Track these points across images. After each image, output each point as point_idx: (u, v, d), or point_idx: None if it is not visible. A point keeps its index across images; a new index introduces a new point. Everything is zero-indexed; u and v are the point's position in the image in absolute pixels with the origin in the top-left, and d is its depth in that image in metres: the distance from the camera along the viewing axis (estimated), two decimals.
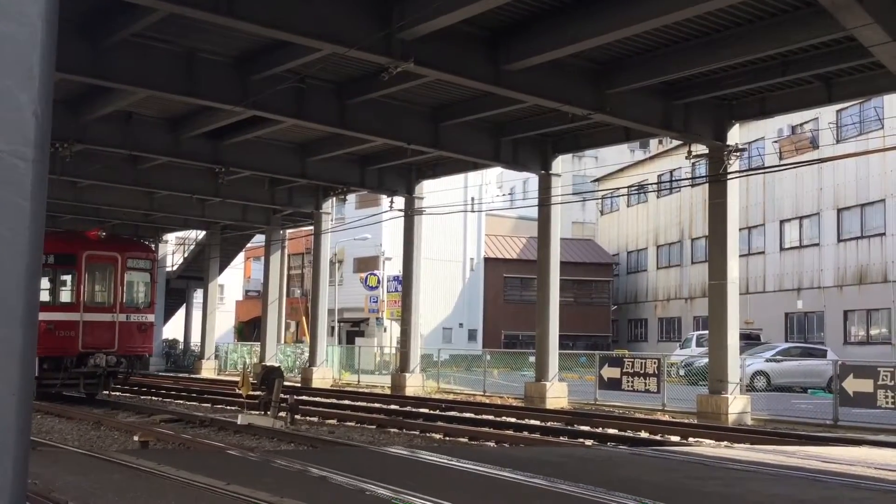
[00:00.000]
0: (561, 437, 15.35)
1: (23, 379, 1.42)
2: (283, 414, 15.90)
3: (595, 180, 54.84)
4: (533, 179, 28.34)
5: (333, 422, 17.61)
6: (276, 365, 22.96)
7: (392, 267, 40.87)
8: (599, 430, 16.47)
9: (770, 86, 18.88)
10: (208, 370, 38.53)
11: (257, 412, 16.29)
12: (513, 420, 18.11)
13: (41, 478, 8.29)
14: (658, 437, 15.79)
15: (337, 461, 10.61)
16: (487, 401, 23.96)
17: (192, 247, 44.68)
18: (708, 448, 13.86)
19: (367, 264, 44.53)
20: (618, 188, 49.88)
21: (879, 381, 17.59)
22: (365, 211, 39.53)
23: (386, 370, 35.04)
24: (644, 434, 16.24)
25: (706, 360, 22.03)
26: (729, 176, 20.28)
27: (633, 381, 22.55)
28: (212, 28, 15.64)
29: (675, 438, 15.72)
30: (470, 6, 13.76)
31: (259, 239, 41.41)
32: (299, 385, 28.26)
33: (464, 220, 46.31)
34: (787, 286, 39.94)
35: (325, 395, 24.62)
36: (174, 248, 46.67)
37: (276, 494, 7.62)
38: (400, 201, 28.56)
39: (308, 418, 17.85)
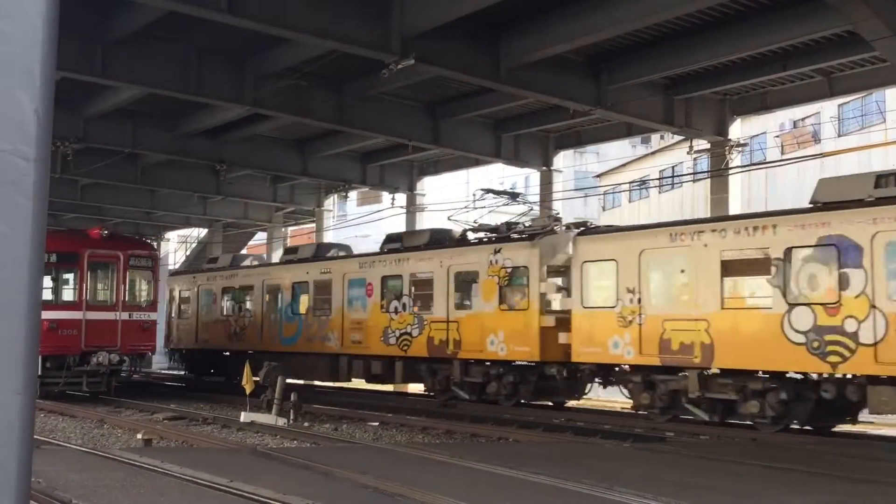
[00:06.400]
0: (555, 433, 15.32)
1: (26, 377, 1.43)
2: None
3: (597, 176, 54.79)
4: (534, 175, 28.34)
5: (333, 418, 17.61)
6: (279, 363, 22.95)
7: None
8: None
9: (771, 80, 18.87)
10: None
11: (260, 410, 16.32)
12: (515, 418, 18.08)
13: (45, 476, 8.30)
14: None
15: (339, 458, 10.62)
16: None
17: (193, 245, 44.67)
18: None
19: None
20: (619, 184, 49.83)
21: None
22: (366, 208, 39.52)
23: None
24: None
25: None
26: (730, 171, 20.27)
27: None
28: (212, 26, 15.63)
29: None
30: (470, 2, 13.76)
31: (261, 236, 41.43)
32: (302, 382, 28.21)
33: (465, 216, 46.21)
34: None
35: (324, 390, 24.61)
36: (176, 246, 46.67)
37: (279, 491, 7.63)
38: (402, 198, 28.55)
39: (311, 414, 17.85)
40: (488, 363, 18.01)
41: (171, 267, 43.69)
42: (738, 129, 20.66)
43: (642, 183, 47.68)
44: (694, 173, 29.76)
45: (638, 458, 11.40)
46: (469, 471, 9.65)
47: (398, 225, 29.50)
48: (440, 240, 19.85)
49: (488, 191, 20.57)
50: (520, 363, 17.47)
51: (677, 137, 32.71)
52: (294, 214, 36.93)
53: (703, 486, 8.93)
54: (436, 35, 15.22)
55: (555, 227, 17.59)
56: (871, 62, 17.27)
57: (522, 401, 17.97)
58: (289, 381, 23.11)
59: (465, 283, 18.53)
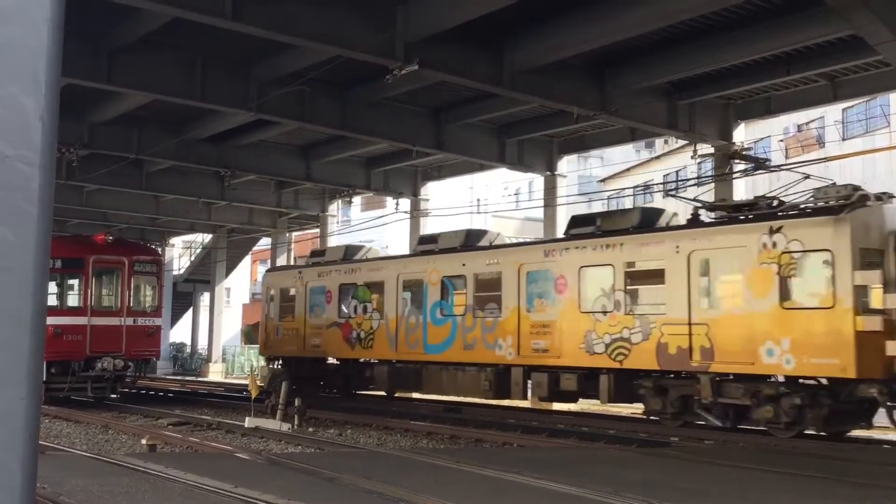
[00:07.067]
0: (553, 437, 15.30)
1: (31, 383, 1.43)
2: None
3: (601, 181, 54.77)
4: (538, 180, 28.35)
5: (338, 423, 17.61)
6: (283, 368, 22.96)
7: None
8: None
9: (775, 85, 18.88)
10: (216, 373, 38.61)
11: (264, 415, 16.33)
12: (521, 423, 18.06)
13: (50, 482, 8.31)
14: None
15: (344, 463, 10.62)
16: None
17: (198, 250, 44.77)
18: None
19: None
20: (623, 188, 49.76)
21: None
22: (370, 213, 39.55)
23: None
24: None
25: None
26: (734, 175, 20.24)
27: None
28: (216, 32, 15.68)
29: None
30: (474, 7, 13.78)
31: (265, 242, 41.49)
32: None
33: (469, 221, 46.26)
34: None
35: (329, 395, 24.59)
36: (181, 252, 46.78)
37: (284, 497, 7.63)
38: (405, 203, 28.57)
39: (318, 420, 17.85)
40: (752, 379, 13.75)
41: (175, 272, 43.82)
42: (742, 133, 20.68)
43: (646, 187, 47.64)
44: (698, 177, 29.73)
45: (643, 463, 11.38)
46: (473, 476, 9.63)
47: (402, 230, 29.55)
48: (651, 220, 16.05)
49: (734, 155, 17.35)
50: (805, 380, 13.39)
51: (681, 142, 32.71)
52: (298, 220, 36.99)
53: (707, 492, 8.91)
54: (439, 40, 15.25)
55: (860, 198, 13.15)
56: (875, 66, 17.26)
57: (810, 431, 13.65)
58: (436, 397, 20.84)
59: (717, 273, 14.37)
